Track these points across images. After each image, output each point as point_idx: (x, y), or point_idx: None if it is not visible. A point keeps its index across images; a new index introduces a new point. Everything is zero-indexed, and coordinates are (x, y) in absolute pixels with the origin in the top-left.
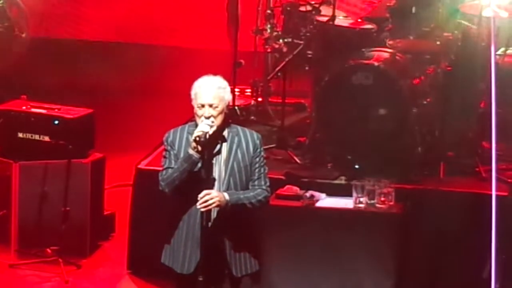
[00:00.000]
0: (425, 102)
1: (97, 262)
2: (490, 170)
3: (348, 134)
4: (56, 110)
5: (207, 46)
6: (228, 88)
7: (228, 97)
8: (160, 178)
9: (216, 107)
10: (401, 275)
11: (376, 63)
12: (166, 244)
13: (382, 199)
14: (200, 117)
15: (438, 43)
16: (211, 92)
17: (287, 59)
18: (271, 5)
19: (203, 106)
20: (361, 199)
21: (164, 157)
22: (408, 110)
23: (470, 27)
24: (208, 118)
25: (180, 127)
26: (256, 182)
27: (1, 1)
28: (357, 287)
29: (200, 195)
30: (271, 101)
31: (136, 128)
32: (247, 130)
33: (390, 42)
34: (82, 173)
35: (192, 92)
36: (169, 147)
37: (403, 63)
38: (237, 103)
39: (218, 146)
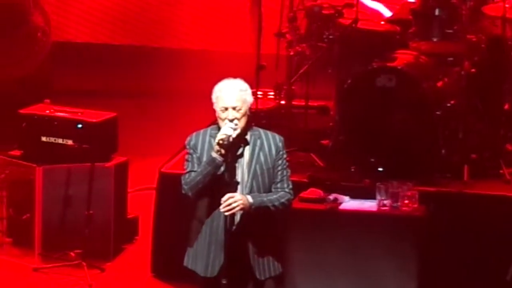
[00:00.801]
0: (448, 105)
1: (121, 265)
2: None
3: (371, 137)
4: (79, 114)
5: (229, 49)
6: (250, 91)
7: (250, 99)
8: (183, 181)
9: (239, 109)
10: (425, 278)
11: (399, 66)
12: (189, 247)
13: (406, 201)
14: (223, 120)
15: (461, 45)
16: (233, 95)
17: (310, 62)
18: (294, 8)
19: (226, 109)
20: (385, 202)
21: (187, 160)
22: (431, 112)
23: (494, 28)
24: (232, 121)
25: (202, 130)
26: (279, 185)
27: None
28: None
29: (224, 198)
30: (294, 104)
31: (159, 131)
32: (269, 133)
33: (414, 45)
34: (105, 177)
35: (213, 96)
36: (191, 151)
37: (426, 65)
38: (260, 106)
39: (241, 149)
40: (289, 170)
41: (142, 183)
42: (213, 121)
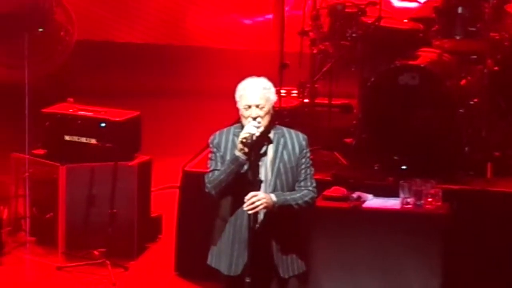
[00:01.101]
0: (471, 102)
1: (145, 264)
2: None
3: (394, 135)
4: (103, 112)
5: (253, 48)
6: (273, 89)
7: (274, 97)
8: (206, 180)
9: (263, 107)
10: (449, 275)
11: (422, 64)
12: (212, 245)
13: (429, 199)
14: (246, 118)
15: (484, 43)
16: (257, 93)
17: (333, 60)
18: (317, 6)
19: (249, 107)
20: (408, 200)
21: (210, 159)
22: (454, 110)
23: None
24: (255, 118)
25: (225, 129)
26: (302, 183)
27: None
28: (405, 287)
29: (247, 197)
30: (318, 102)
31: (183, 130)
32: (293, 132)
33: (437, 43)
34: (128, 176)
35: (237, 94)
36: (215, 149)
37: (449, 64)
38: (283, 104)
39: (264, 148)
40: (312, 169)
41: (165, 181)
42: (237, 120)
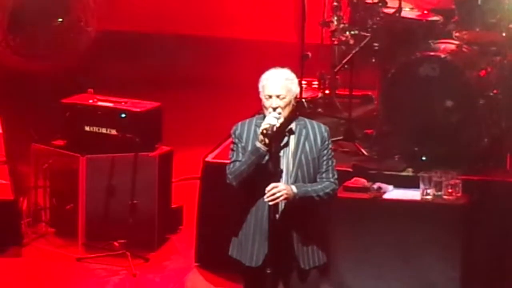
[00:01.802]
0: (491, 94)
1: (165, 255)
2: None
3: (415, 126)
4: (123, 103)
5: (274, 38)
6: (296, 80)
7: (296, 89)
8: (227, 171)
9: (284, 98)
10: (469, 266)
11: (442, 55)
12: (233, 237)
13: (449, 190)
14: (267, 108)
15: (504, 34)
16: (278, 83)
17: (354, 51)
18: None
19: (270, 97)
20: (428, 191)
21: (232, 150)
22: (474, 101)
23: None
24: (275, 109)
25: (247, 120)
26: (324, 175)
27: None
28: (425, 278)
29: (268, 188)
30: (338, 93)
31: (204, 121)
32: (314, 123)
33: (457, 34)
34: (149, 167)
35: (260, 85)
36: (236, 140)
37: (469, 55)
38: (304, 95)
39: (286, 139)
40: (334, 160)
41: (186, 172)
42: (259, 111)
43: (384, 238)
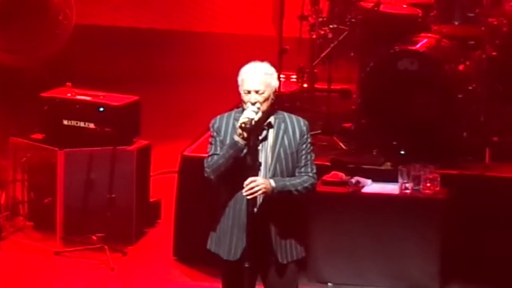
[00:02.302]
0: (470, 88)
1: (143, 249)
2: None
3: (393, 120)
4: (101, 97)
5: (252, 32)
6: (275, 75)
7: (275, 83)
8: (205, 164)
9: (262, 93)
10: (447, 260)
11: (421, 49)
12: (212, 230)
13: (428, 184)
14: (246, 103)
15: (483, 28)
16: (257, 78)
17: (332, 45)
18: None
19: (249, 92)
20: (407, 185)
21: (210, 143)
22: (453, 95)
23: None
24: (253, 104)
25: (226, 113)
26: (302, 169)
27: None
28: (403, 272)
29: (246, 182)
30: (317, 87)
31: (182, 115)
32: (293, 117)
33: (435, 28)
34: (127, 160)
35: (239, 78)
36: (215, 134)
37: (448, 49)
38: (282, 89)
39: (265, 133)
40: (313, 154)
41: (164, 166)
42: (237, 104)
43: (363, 232)
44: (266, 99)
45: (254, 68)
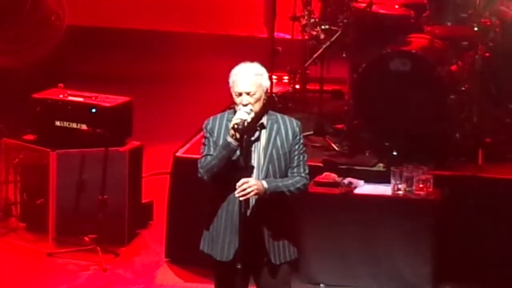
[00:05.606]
0: (463, 89)
1: (135, 250)
2: None
3: (386, 121)
4: (94, 98)
5: (244, 33)
6: (266, 75)
7: (266, 83)
8: (199, 165)
9: (254, 94)
10: (440, 261)
11: (413, 50)
12: (205, 231)
13: (421, 185)
14: (238, 104)
15: (475, 29)
16: (248, 80)
17: (324, 46)
18: None
19: (240, 94)
20: (400, 186)
21: (203, 144)
22: (446, 96)
23: (508, 12)
24: (245, 105)
25: (219, 114)
26: (295, 170)
27: None
28: (395, 273)
29: (238, 184)
30: (309, 88)
31: (174, 116)
32: (286, 118)
33: (428, 29)
34: (119, 161)
35: (230, 80)
36: (208, 134)
37: (440, 50)
38: (274, 90)
39: (257, 133)
40: (305, 155)
41: (156, 167)
42: (230, 105)
43: (355, 233)
44: (257, 100)
45: (244, 70)
